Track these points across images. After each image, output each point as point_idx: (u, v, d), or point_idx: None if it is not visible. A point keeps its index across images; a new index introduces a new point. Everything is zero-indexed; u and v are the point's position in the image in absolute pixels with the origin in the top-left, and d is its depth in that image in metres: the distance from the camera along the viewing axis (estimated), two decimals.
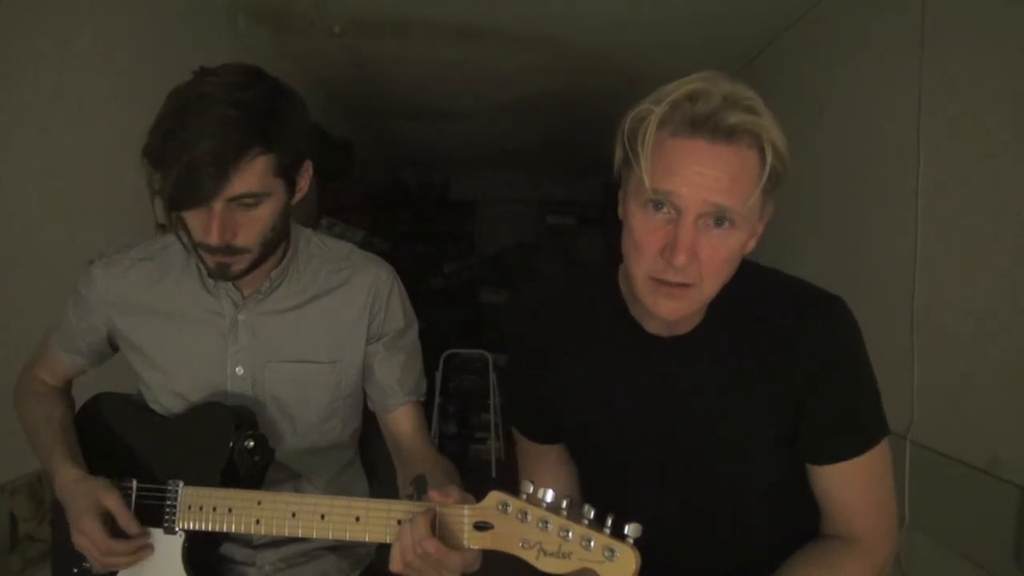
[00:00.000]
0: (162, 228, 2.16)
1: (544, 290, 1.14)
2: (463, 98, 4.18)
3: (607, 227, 6.68)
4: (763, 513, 1.03)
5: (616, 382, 1.01)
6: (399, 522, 0.90)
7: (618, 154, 0.90)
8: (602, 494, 1.08)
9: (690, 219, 0.82)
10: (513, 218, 6.98)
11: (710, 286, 0.87)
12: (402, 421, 1.21)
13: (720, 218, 0.83)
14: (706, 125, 0.81)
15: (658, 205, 0.84)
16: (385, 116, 4.70)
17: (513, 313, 1.12)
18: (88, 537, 1.01)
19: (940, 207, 1.88)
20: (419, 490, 1.01)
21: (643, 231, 0.85)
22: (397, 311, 1.20)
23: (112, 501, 1.02)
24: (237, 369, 1.14)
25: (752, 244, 0.91)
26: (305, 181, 1.09)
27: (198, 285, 1.14)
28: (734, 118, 0.80)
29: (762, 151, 0.82)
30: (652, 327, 0.98)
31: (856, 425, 0.95)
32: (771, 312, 0.95)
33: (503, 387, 5.48)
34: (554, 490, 0.83)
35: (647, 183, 0.83)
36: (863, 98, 2.30)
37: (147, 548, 1.04)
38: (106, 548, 1.01)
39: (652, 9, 2.73)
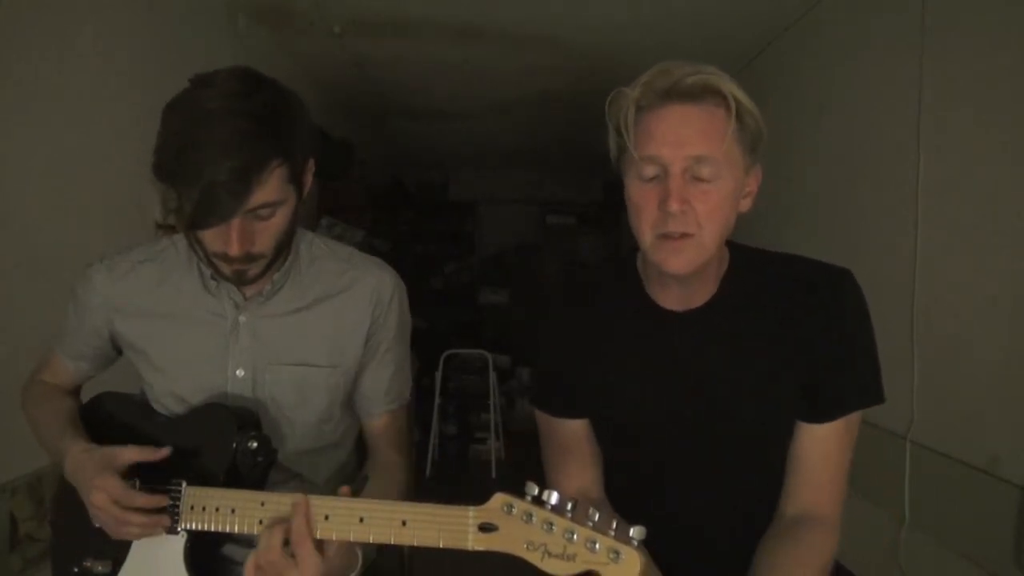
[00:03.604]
0: (162, 228, 2.16)
1: (575, 278, 1.22)
2: (463, 98, 4.18)
3: (607, 227, 6.69)
4: (765, 480, 1.07)
5: (634, 356, 1.08)
6: (404, 523, 0.90)
7: (612, 145, 1.00)
8: (624, 466, 1.13)
9: (676, 172, 0.93)
10: (513, 218, 6.97)
11: (709, 234, 0.95)
12: (378, 427, 1.24)
13: (704, 171, 0.93)
14: (673, 92, 0.93)
15: (649, 173, 0.95)
16: (385, 116, 4.70)
17: (547, 299, 1.19)
18: (106, 492, 0.97)
19: (940, 207, 1.88)
20: (359, 488, 1.04)
21: (640, 196, 0.96)
22: (397, 318, 1.21)
23: (131, 452, 1.00)
24: (238, 371, 1.14)
25: (748, 203, 1.00)
26: (309, 177, 1.09)
27: (199, 287, 1.14)
28: (694, 79, 0.92)
29: (728, 106, 0.92)
30: (667, 303, 1.06)
31: (860, 384, 1.02)
32: (782, 283, 1.03)
33: (503, 387, 5.50)
34: (559, 492, 0.83)
35: (635, 153, 0.95)
36: (863, 98, 2.30)
37: (163, 514, 1.01)
38: (128, 500, 0.97)
39: (652, 9, 2.73)
